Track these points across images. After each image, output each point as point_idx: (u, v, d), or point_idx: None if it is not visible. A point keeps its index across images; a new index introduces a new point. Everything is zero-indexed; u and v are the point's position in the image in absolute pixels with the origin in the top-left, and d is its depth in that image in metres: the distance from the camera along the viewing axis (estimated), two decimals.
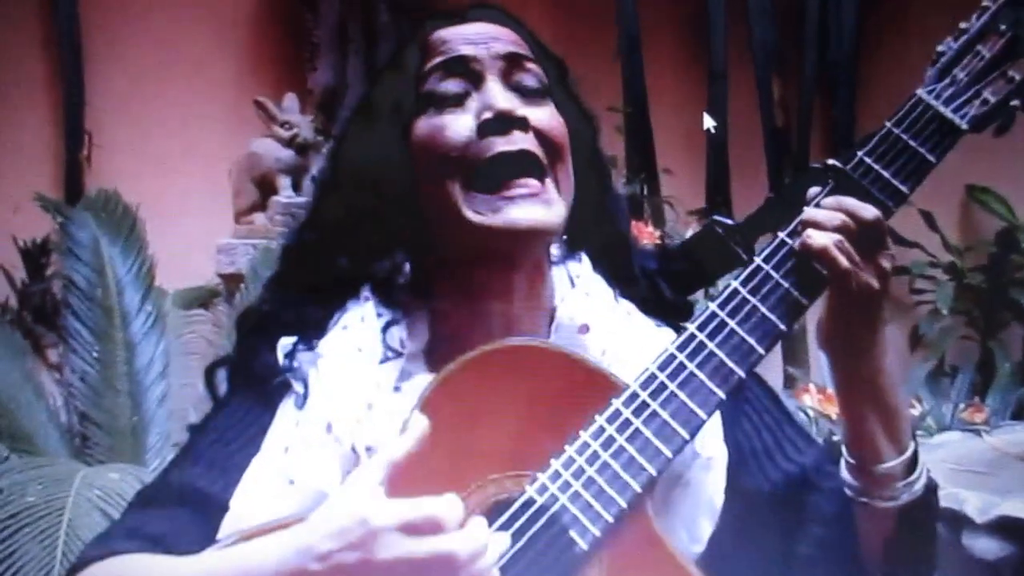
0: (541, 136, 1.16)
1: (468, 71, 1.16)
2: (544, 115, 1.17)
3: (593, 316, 1.19)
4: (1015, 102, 1.17)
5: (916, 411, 4.12)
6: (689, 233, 4.24)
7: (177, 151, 5.03)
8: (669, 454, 1.07)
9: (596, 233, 1.24)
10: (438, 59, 1.17)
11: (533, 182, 1.14)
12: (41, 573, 2.44)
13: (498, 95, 1.15)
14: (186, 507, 1.13)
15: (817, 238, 1.08)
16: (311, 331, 1.19)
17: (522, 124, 1.14)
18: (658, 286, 1.28)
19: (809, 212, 1.11)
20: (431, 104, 1.16)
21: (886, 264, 1.10)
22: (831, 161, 1.15)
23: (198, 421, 1.26)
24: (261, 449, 1.14)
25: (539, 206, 1.14)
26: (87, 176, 4.94)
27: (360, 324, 1.18)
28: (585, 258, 1.25)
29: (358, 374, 1.14)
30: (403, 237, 1.20)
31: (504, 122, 1.14)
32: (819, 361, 3.74)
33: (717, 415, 1.15)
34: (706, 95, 5.07)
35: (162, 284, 3.60)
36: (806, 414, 3.33)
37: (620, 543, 1.06)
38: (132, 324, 3.42)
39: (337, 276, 1.21)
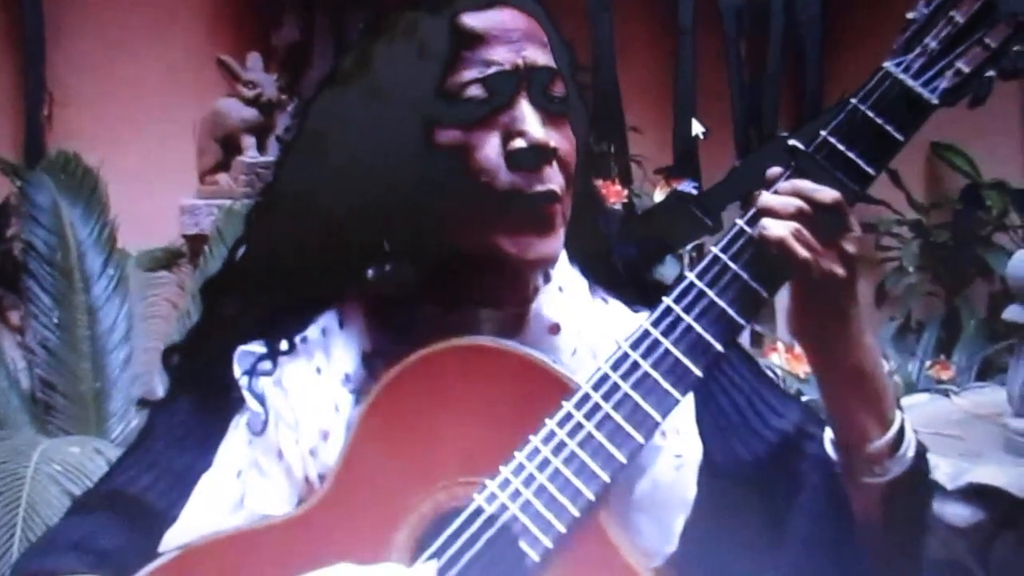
0: (560, 163, 1.10)
1: (502, 85, 1.08)
2: (564, 139, 1.10)
3: (565, 314, 1.14)
4: (991, 72, 1.06)
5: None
6: (657, 192, 4.27)
7: (140, 110, 4.96)
8: (623, 459, 1.02)
9: (575, 226, 1.16)
10: (471, 67, 1.08)
11: (554, 218, 1.09)
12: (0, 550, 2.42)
13: (530, 120, 1.07)
14: (134, 519, 1.10)
15: (773, 228, 1.02)
16: (277, 339, 1.11)
17: (552, 156, 1.08)
18: (638, 273, 1.22)
19: (764, 199, 1.04)
20: (458, 110, 1.08)
21: (851, 249, 1.04)
22: (792, 142, 1.06)
23: (149, 418, 1.21)
24: (213, 464, 1.10)
25: (554, 239, 1.10)
26: (48, 135, 4.89)
27: (320, 338, 1.12)
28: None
29: (315, 400, 1.09)
30: (400, 240, 1.11)
31: (537, 155, 1.07)
32: None
33: (689, 405, 1.11)
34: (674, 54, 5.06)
35: (125, 245, 3.57)
36: (774, 372, 3.35)
37: (573, 553, 1.01)
38: (94, 288, 3.40)
39: (312, 275, 1.12)
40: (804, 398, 3.38)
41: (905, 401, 3.25)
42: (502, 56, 1.08)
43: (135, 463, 1.15)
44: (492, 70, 1.07)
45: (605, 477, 1.01)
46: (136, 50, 5.02)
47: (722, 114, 5.08)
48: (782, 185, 1.04)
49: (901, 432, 1.08)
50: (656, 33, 5.30)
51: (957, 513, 2.48)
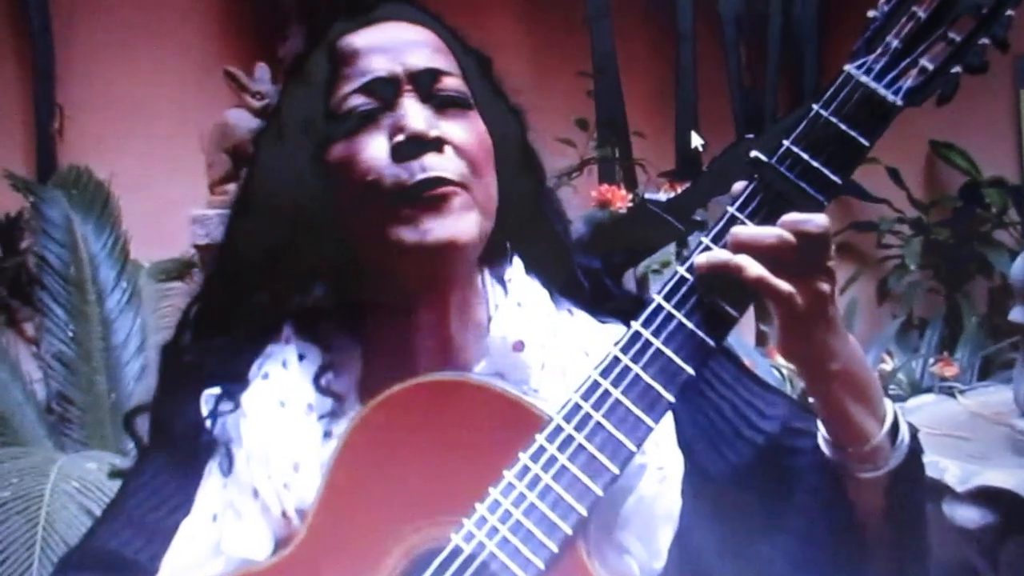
0: (460, 152, 1.10)
1: (381, 90, 1.11)
2: (461, 130, 1.12)
3: (527, 330, 1.13)
4: (956, 68, 1.02)
5: (888, 366, 4.17)
6: (660, 195, 4.28)
7: (149, 123, 4.97)
8: (599, 491, 0.98)
9: (531, 236, 1.18)
10: (349, 81, 1.12)
11: (451, 200, 1.08)
12: (20, 568, 2.44)
13: (411, 114, 1.09)
14: (116, 573, 1.11)
15: (750, 268, 0.99)
16: (234, 381, 1.13)
17: (436, 145, 1.09)
18: (603, 283, 1.22)
19: (702, 257, 1.02)
20: (343, 123, 1.11)
21: (824, 285, 1.01)
22: (755, 153, 1.02)
23: (127, 472, 1.24)
24: (190, 513, 1.10)
25: (454, 219, 1.08)
26: (59, 149, 4.89)
27: (282, 371, 1.13)
28: (517, 261, 1.18)
29: (282, 433, 1.09)
30: (322, 266, 1.15)
31: (418, 145, 1.08)
32: None
33: (667, 416, 1.07)
34: (675, 60, 5.09)
35: (137, 256, 3.59)
36: (780, 372, 3.35)
37: None
38: (107, 301, 3.41)
39: (255, 313, 1.17)
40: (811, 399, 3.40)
41: (911, 402, 3.24)
42: (378, 64, 1.11)
43: (114, 518, 1.17)
44: (368, 77, 1.11)
45: (582, 510, 0.98)
46: (145, 63, 5.04)
47: (723, 117, 5.10)
48: (735, 228, 1.01)
49: (895, 421, 1.08)
50: (657, 39, 5.32)
51: (966, 515, 2.47)
